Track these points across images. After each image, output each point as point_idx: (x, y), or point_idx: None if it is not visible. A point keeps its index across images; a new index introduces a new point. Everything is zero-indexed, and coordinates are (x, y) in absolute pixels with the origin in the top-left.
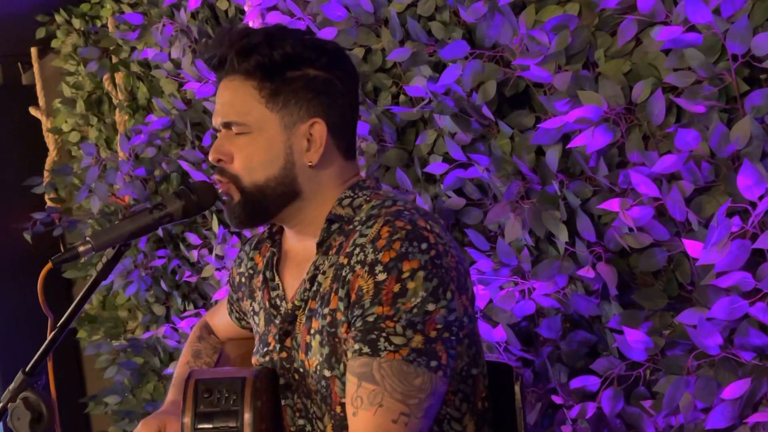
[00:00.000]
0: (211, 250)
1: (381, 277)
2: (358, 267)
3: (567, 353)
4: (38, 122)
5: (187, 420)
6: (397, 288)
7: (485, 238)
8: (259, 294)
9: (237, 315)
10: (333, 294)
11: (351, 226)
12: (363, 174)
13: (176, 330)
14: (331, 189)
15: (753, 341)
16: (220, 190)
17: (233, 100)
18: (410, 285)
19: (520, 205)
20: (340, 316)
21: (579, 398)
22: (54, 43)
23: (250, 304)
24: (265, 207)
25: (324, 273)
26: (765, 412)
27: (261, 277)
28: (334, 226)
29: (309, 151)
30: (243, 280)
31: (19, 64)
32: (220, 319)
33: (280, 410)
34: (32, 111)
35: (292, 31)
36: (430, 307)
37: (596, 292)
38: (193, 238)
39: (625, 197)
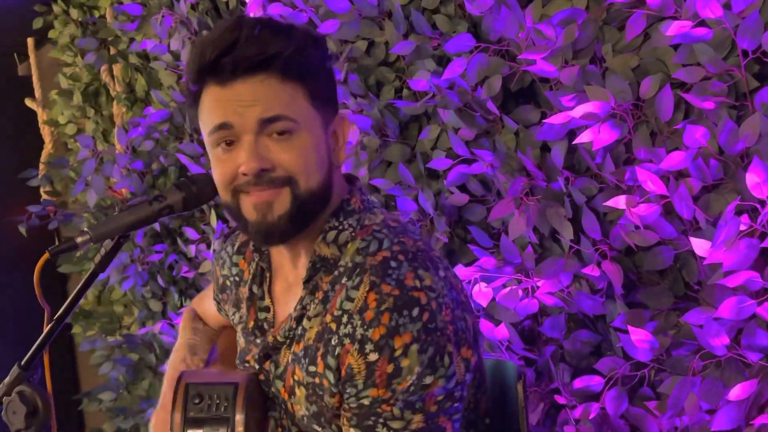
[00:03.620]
0: (208, 245)
1: (372, 357)
2: (347, 341)
3: (570, 353)
4: (34, 114)
5: (177, 417)
6: (390, 369)
7: (488, 235)
8: (244, 307)
9: (225, 313)
10: (319, 357)
11: (338, 272)
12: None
13: (173, 326)
14: (336, 197)
15: (760, 342)
16: (254, 200)
17: (277, 95)
18: (404, 363)
19: (525, 201)
20: (328, 385)
21: (582, 398)
22: (51, 34)
23: (234, 314)
24: (309, 216)
25: (309, 320)
26: None
27: (247, 290)
28: (319, 265)
29: (335, 150)
30: (228, 283)
31: (15, 54)
32: (210, 310)
33: (266, 418)
34: (28, 102)
35: (299, 30)
36: (428, 380)
37: (601, 291)
38: (190, 232)
39: (632, 194)
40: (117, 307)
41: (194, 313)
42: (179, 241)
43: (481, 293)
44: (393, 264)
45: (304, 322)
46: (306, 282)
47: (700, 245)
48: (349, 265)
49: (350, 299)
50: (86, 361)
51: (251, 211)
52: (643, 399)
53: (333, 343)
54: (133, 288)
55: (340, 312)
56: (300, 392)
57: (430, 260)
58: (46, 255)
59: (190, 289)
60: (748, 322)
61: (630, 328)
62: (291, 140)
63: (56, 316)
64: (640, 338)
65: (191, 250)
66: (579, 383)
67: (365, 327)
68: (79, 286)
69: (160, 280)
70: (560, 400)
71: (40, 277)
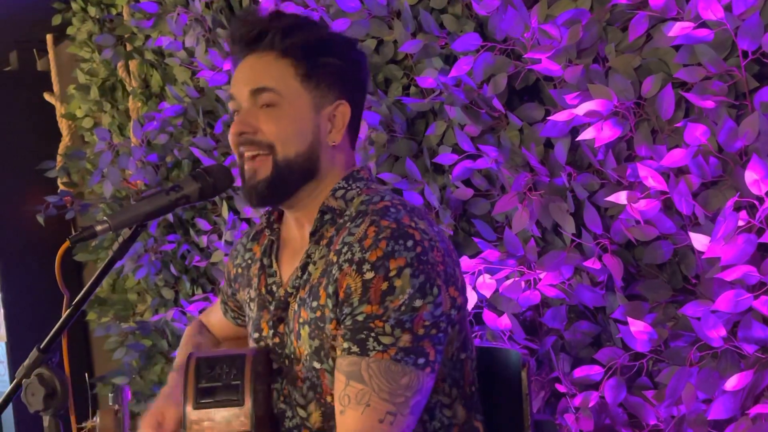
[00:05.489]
0: (220, 236)
1: (369, 275)
2: (345, 265)
3: (571, 343)
4: (52, 107)
5: (189, 407)
6: (384, 286)
7: (492, 228)
8: (255, 281)
9: (233, 314)
10: (322, 289)
11: (342, 220)
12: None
13: (184, 313)
14: (336, 173)
15: (756, 334)
16: (247, 166)
17: (268, 69)
18: (397, 283)
19: (528, 196)
20: (328, 313)
21: (582, 387)
22: (69, 30)
23: (247, 293)
24: (289, 184)
25: (315, 263)
26: (766, 403)
27: (258, 264)
28: (327, 217)
29: (331, 132)
30: (239, 270)
31: (34, 50)
32: (216, 318)
33: (271, 391)
34: (47, 96)
35: (313, 21)
36: (418, 303)
37: (601, 284)
38: (202, 223)
39: (633, 190)
40: (131, 294)
41: (199, 323)
42: (191, 232)
43: (485, 284)
44: (392, 210)
45: (310, 267)
46: (313, 234)
47: (698, 240)
48: (353, 214)
49: (351, 234)
50: (100, 347)
51: (245, 174)
52: (642, 388)
53: (334, 272)
54: (146, 276)
55: (341, 245)
56: (304, 332)
57: (426, 217)
58: (67, 243)
59: (202, 278)
60: (745, 315)
61: (629, 319)
62: (273, 111)
63: (75, 301)
64: (638, 329)
65: (203, 240)
66: (579, 372)
67: (363, 251)
68: (97, 273)
69: (172, 269)
70: (561, 388)
71: (60, 263)
